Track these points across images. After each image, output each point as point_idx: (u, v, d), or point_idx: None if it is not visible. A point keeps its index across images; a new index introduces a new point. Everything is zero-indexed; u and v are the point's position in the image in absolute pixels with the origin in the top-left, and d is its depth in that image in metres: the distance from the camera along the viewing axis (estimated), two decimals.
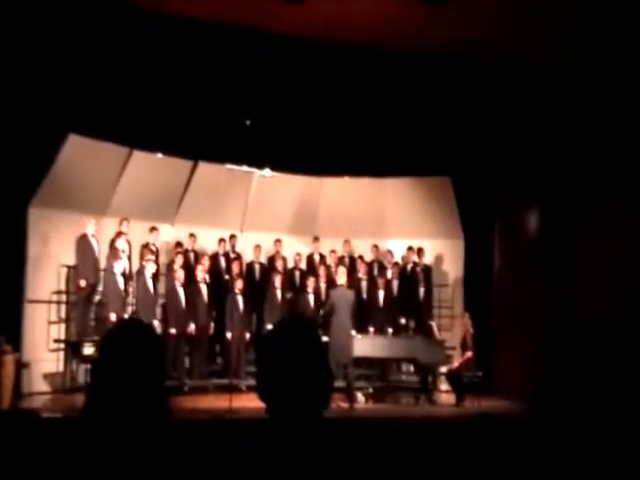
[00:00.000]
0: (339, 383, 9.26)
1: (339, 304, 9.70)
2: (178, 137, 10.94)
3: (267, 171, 12.27)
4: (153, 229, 11.11)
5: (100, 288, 10.45)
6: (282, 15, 9.08)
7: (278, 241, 12.24)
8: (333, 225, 12.57)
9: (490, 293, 11.97)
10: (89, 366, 8.91)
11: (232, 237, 12.03)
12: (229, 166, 12.01)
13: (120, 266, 10.15)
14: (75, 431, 1.87)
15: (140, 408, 1.88)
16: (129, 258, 10.57)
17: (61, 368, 10.06)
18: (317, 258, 12.43)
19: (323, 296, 11.19)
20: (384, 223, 12.85)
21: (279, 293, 11.38)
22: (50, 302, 10.12)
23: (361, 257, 12.29)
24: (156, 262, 10.77)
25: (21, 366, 9.07)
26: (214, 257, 11.71)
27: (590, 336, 9.30)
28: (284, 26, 9.40)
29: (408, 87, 10.65)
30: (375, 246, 12.47)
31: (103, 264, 10.43)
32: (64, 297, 10.32)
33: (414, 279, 11.91)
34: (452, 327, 11.97)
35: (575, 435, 6.19)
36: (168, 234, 11.86)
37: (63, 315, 10.28)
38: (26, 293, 9.71)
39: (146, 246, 10.92)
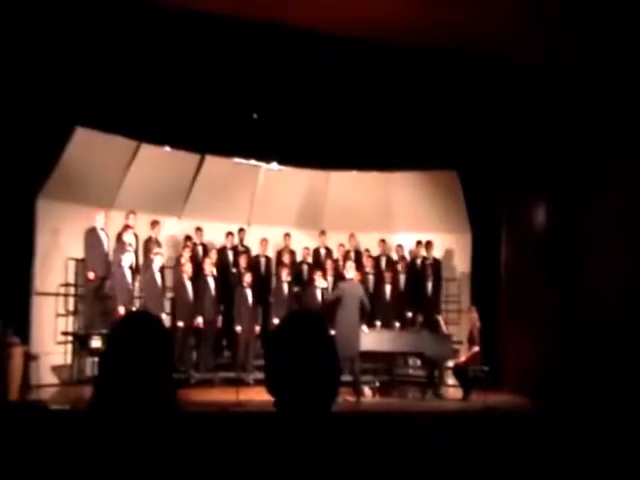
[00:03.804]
0: (346, 377, 9.26)
1: (347, 298, 9.69)
2: (186, 130, 10.94)
3: (274, 165, 12.27)
4: (155, 223, 11.06)
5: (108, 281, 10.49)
6: (289, 8, 9.07)
7: (287, 235, 12.26)
8: (340, 219, 12.53)
9: (497, 287, 11.94)
10: (97, 359, 8.94)
11: (241, 230, 12.02)
12: (236, 160, 12.00)
13: (128, 259, 10.17)
14: (83, 423, 1.88)
15: (147, 401, 1.88)
16: (136, 251, 10.60)
17: (69, 360, 10.10)
18: (323, 252, 12.43)
19: (330, 290, 11.17)
20: (391, 217, 12.82)
21: (286, 287, 11.39)
22: (58, 295, 10.17)
23: (367, 251, 12.27)
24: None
25: (29, 358, 9.09)
26: (222, 250, 11.71)
27: (596, 332, 9.28)
28: (291, 19, 9.38)
29: (415, 81, 10.62)
30: (383, 240, 12.45)
31: (111, 257, 10.45)
32: (72, 290, 10.36)
33: (423, 273, 11.90)
34: (459, 321, 11.96)
35: (580, 430, 6.19)
36: (175, 227, 11.89)
37: (71, 308, 10.32)
38: (34, 285, 9.75)
39: (150, 240, 10.92)
